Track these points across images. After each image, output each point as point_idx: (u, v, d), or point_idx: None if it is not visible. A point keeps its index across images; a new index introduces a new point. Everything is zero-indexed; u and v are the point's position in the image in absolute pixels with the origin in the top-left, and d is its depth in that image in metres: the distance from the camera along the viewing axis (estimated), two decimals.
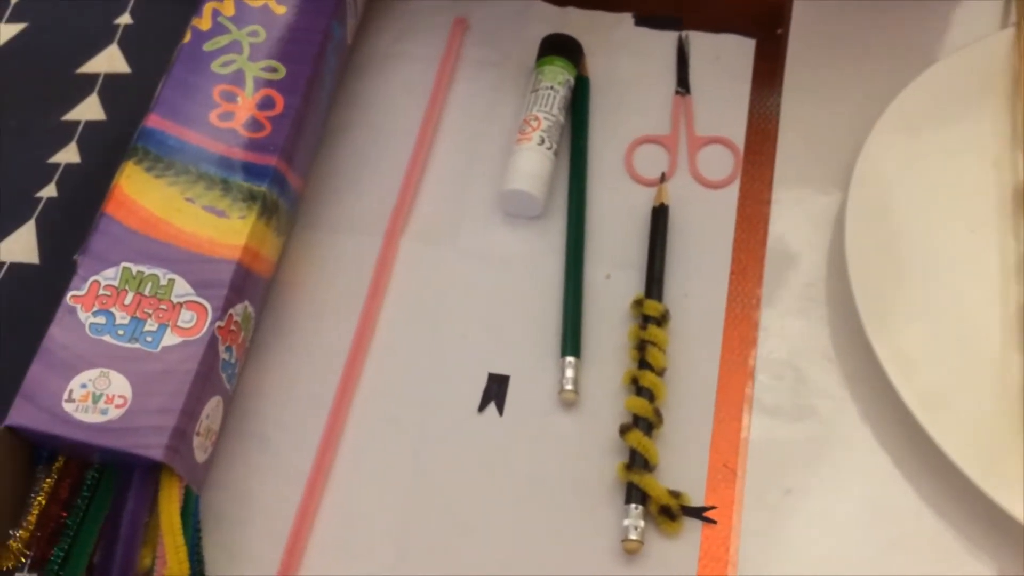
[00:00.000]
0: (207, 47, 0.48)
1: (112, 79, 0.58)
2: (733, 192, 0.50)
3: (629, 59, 0.55)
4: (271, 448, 0.45)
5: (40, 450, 0.41)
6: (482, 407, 0.46)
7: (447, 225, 0.51)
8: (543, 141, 0.50)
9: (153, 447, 0.39)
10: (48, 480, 0.41)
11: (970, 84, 0.50)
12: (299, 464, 0.44)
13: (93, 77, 0.58)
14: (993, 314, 0.45)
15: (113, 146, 0.55)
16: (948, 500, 0.42)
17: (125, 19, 0.60)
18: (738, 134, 0.52)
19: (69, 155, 0.55)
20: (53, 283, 0.49)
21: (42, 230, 0.53)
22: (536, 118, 0.51)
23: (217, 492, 0.44)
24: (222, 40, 0.48)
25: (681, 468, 0.43)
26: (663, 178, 0.50)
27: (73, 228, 0.52)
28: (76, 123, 0.56)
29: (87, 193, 0.54)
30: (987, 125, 0.49)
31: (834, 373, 0.45)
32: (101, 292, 0.42)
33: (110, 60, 0.58)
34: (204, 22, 0.49)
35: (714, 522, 0.42)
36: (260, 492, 0.44)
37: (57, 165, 0.55)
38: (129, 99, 0.57)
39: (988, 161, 0.49)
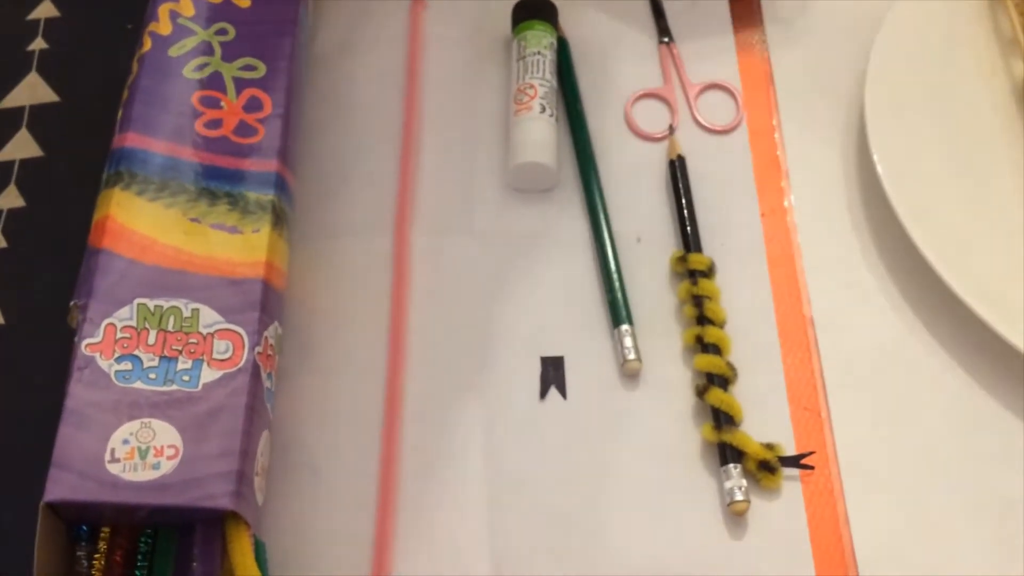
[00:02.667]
0: (173, 52, 0.43)
1: (40, 110, 0.52)
2: (742, 134, 0.49)
3: (602, 16, 0.53)
4: (324, 478, 0.41)
5: (78, 525, 0.36)
6: (543, 393, 0.43)
7: (457, 211, 0.47)
8: (544, 109, 0.47)
9: (219, 496, 0.35)
10: (98, 556, 0.36)
11: None
12: (360, 488, 0.41)
13: (18, 111, 0.52)
14: None
15: (59, 183, 0.49)
16: None
17: (39, 44, 0.54)
18: (732, 75, 0.51)
19: (10, 199, 0.49)
20: (28, 340, 0.44)
21: None
22: (531, 86, 0.48)
23: (274, 534, 0.40)
24: (188, 43, 0.44)
25: (764, 420, 0.42)
26: (671, 130, 0.49)
27: (34, 278, 0.47)
28: (11, 163, 0.50)
29: (40, 238, 0.48)
30: (980, 32, 0.50)
31: (888, 289, 0.44)
32: (119, 335, 0.37)
33: (32, 90, 0.52)
34: (163, 26, 0.44)
35: (812, 468, 0.40)
36: (323, 527, 0.40)
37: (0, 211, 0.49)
38: (65, 129, 0.51)
39: (984, 65, 0.49)
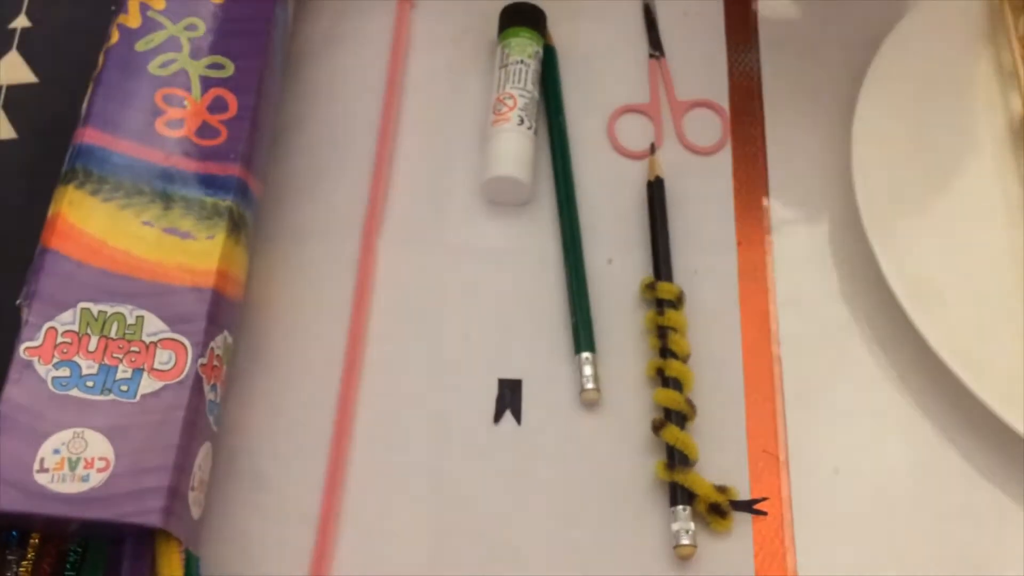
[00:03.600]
0: (139, 47, 0.42)
1: (17, 91, 0.51)
2: (726, 156, 0.48)
3: (593, 25, 0.51)
4: (269, 486, 0.40)
5: (8, 530, 0.36)
6: (498, 417, 0.42)
7: (428, 220, 0.46)
8: (522, 121, 0.46)
9: (148, 513, 0.34)
10: (25, 564, 0.35)
11: (956, 24, 0.48)
12: (304, 501, 0.40)
13: None
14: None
15: (29, 168, 0.49)
16: (999, 464, 0.40)
17: (22, 22, 0.53)
18: (721, 94, 0.49)
19: None
20: None
21: None
22: (511, 96, 0.47)
23: (215, 547, 0.39)
24: (156, 37, 0.42)
25: (721, 459, 0.40)
26: (653, 149, 0.47)
27: None
28: None
29: (5, 225, 0.47)
30: (979, 65, 0.48)
31: (864, 337, 0.43)
32: (60, 340, 0.36)
33: (12, 69, 0.52)
34: (132, 19, 0.43)
35: (765, 514, 0.39)
36: (265, 540, 0.39)
37: None
38: (42, 112, 0.50)
39: (979, 100, 0.47)
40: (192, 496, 0.36)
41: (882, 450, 0.41)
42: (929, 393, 0.41)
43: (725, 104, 0.49)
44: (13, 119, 0.50)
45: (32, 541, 0.36)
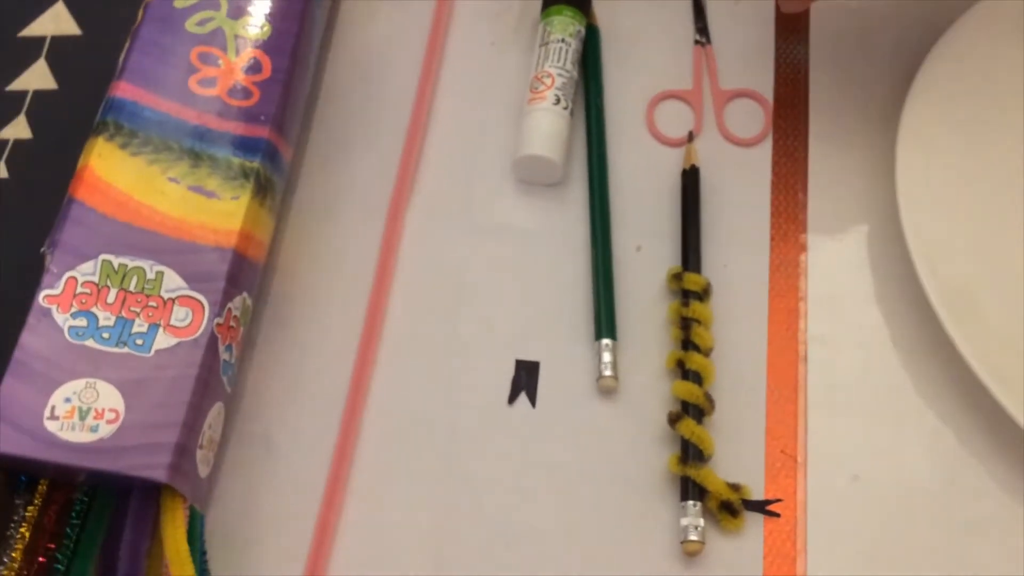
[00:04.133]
0: (178, 3, 0.42)
1: (60, 42, 0.51)
2: (766, 149, 0.46)
3: (640, 7, 0.50)
4: (279, 453, 0.40)
5: (18, 475, 0.36)
6: (512, 398, 0.41)
7: (456, 198, 0.46)
8: (558, 100, 0.45)
9: (154, 467, 0.34)
10: (31, 509, 0.35)
11: (1012, 28, 0.46)
12: (312, 470, 0.40)
13: (38, 41, 0.51)
14: None
15: (69, 118, 0.49)
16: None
17: None
18: (766, 85, 0.48)
19: (18, 130, 0.49)
20: (15, 280, 0.44)
21: None
22: (549, 75, 0.46)
23: (221, 507, 0.39)
24: None
25: (737, 457, 0.40)
26: (691, 137, 0.46)
27: (30, 213, 0.46)
28: (23, 93, 0.50)
29: (43, 173, 0.48)
30: None
31: (892, 344, 0.42)
32: (79, 290, 0.36)
33: (56, 20, 0.52)
34: None
35: (778, 515, 0.38)
36: (270, 505, 0.39)
37: (5, 142, 0.48)
38: (83, 64, 0.51)
39: None
40: (200, 454, 0.36)
41: (904, 460, 0.40)
42: (957, 404, 0.40)
43: (769, 96, 0.47)
44: (54, 70, 0.50)
45: (40, 487, 0.36)
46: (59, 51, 0.51)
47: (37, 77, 0.50)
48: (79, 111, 0.49)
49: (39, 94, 0.50)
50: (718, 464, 0.39)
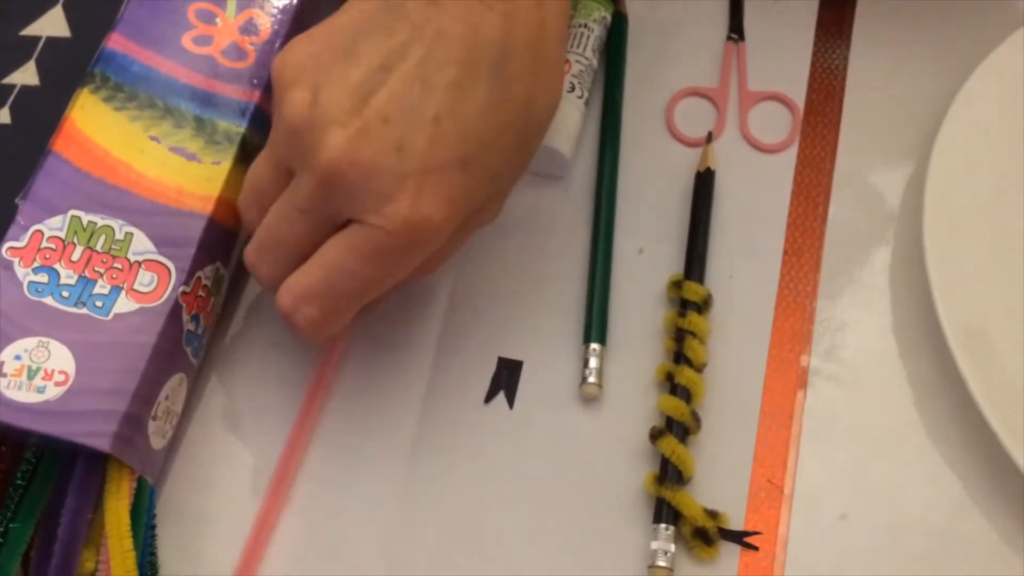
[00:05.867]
0: None
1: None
2: (790, 158, 0.44)
3: None
4: (242, 430, 0.39)
5: None
6: (489, 397, 0.39)
7: None
8: (573, 88, 0.43)
9: (98, 435, 0.33)
10: None
11: None
12: (270, 449, 0.38)
13: None
14: None
15: (78, 68, 0.48)
16: None
17: None
18: (798, 90, 0.45)
19: (26, 76, 0.48)
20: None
21: None
22: (566, 61, 0.43)
23: (179, 481, 0.38)
24: None
25: (719, 482, 0.37)
26: (709, 138, 0.43)
27: (28, 162, 0.46)
28: (36, 39, 0.49)
29: (46, 122, 0.46)
30: None
31: (900, 378, 0.39)
32: (44, 244, 0.35)
33: None
34: None
35: (756, 548, 0.36)
36: (225, 481, 0.38)
37: (12, 87, 0.48)
38: (99, 13, 0.49)
39: None
40: (154, 426, 0.35)
41: (898, 502, 0.37)
42: (963, 448, 0.37)
43: (800, 101, 0.45)
44: (70, 18, 0.49)
45: None
46: (75, 3, 0.50)
47: (51, 24, 0.49)
48: (89, 62, 0.48)
49: (52, 41, 0.49)
50: (698, 488, 0.37)
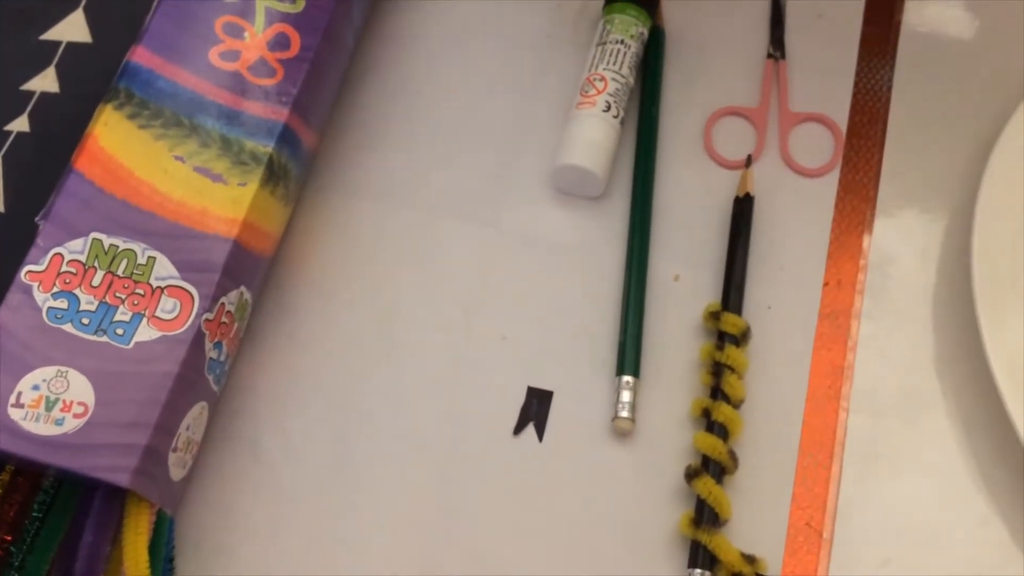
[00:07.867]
0: None
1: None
2: (832, 182, 0.42)
3: (714, 12, 0.46)
4: (264, 457, 0.38)
5: None
6: (518, 429, 0.38)
7: (488, 200, 0.42)
8: (609, 107, 0.42)
9: (118, 470, 0.32)
10: None
11: None
12: (297, 479, 0.37)
13: None
14: None
15: (100, 75, 0.46)
16: None
17: None
18: (840, 112, 0.43)
19: (46, 82, 0.47)
20: (17, 240, 0.42)
21: (9, 170, 0.44)
22: (602, 78, 0.42)
23: (198, 510, 0.37)
24: None
25: (756, 525, 0.36)
26: (749, 161, 0.42)
27: (47, 173, 0.44)
28: (56, 44, 0.48)
29: (66, 130, 0.45)
30: None
31: (945, 414, 0.38)
32: (64, 268, 0.34)
33: None
34: None
35: None
36: (248, 511, 0.37)
37: (31, 93, 0.46)
38: (120, 18, 0.48)
39: None
40: (174, 457, 0.34)
41: (944, 547, 0.36)
42: (1010, 490, 0.36)
43: (843, 123, 0.43)
44: (91, 22, 0.48)
45: (2, 476, 0.34)
46: (98, 4, 0.49)
47: (72, 28, 0.48)
48: (111, 69, 0.46)
49: (72, 46, 0.48)
50: (734, 530, 0.36)
